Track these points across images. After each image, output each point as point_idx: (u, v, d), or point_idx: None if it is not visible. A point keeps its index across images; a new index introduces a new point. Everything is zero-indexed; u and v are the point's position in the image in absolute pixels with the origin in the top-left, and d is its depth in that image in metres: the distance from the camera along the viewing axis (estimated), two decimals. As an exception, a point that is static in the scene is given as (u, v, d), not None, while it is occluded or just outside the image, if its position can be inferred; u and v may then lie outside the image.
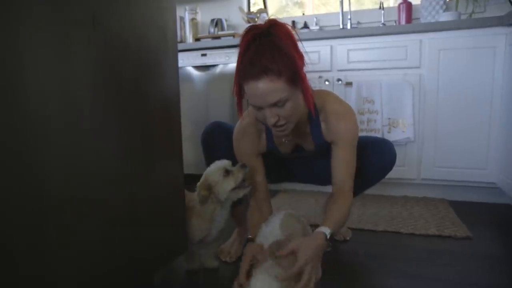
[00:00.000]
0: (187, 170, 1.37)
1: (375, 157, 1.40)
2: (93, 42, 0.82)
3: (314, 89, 1.25)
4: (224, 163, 1.25)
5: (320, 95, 1.27)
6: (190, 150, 2.62)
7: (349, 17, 2.73)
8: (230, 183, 1.22)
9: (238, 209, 1.52)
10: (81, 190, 0.81)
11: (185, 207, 1.22)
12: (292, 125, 1.17)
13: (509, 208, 2.01)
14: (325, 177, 1.50)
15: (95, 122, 0.84)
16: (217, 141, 1.44)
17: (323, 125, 1.26)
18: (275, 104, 1.08)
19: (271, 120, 1.10)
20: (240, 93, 1.14)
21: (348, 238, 1.61)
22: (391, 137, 2.14)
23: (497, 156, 2.01)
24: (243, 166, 1.24)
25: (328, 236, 1.12)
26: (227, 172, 1.22)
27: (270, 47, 1.05)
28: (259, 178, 1.35)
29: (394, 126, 2.15)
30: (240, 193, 1.25)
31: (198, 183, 1.25)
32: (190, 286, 1.27)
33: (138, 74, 0.96)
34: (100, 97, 0.85)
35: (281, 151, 1.36)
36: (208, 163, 1.43)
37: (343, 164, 1.27)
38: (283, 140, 1.31)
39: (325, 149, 1.31)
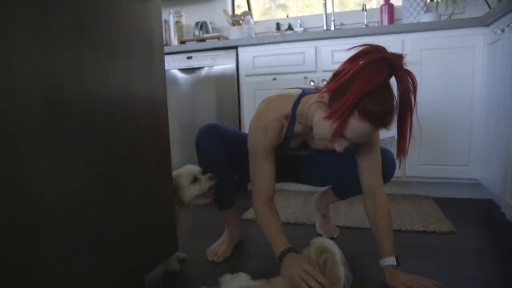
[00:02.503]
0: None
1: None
2: (79, 48, 0.82)
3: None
4: (194, 169, 1.30)
5: None
6: (177, 152, 2.62)
7: (332, 18, 2.76)
8: (195, 190, 1.28)
9: (227, 211, 1.53)
10: (72, 201, 0.81)
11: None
12: None
13: (490, 203, 2.07)
14: (323, 177, 1.51)
15: (82, 130, 0.84)
16: (213, 144, 1.39)
17: None
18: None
19: (339, 149, 1.06)
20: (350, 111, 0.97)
21: (335, 236, 1.63)
22: (376, 136, 2.18)
23: (479, 152, 2.06)
24: (211, 177, 1.29)
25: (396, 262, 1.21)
26: (195, 179, 1.28)
27: (405, 107, 1.00)
28: (269, 184, 1.28)
29: (378, 125, 2.19)
30: (202, 201, 1.31)
31: None
32: (175, 286, 1.28)
33: (125, 79, 0.96)
34: (87, 102, 0.85)
35: (290, 145, 1.31)
36: (201, 165, 1.42)
37: (374, 166, 1.25)
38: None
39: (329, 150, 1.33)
